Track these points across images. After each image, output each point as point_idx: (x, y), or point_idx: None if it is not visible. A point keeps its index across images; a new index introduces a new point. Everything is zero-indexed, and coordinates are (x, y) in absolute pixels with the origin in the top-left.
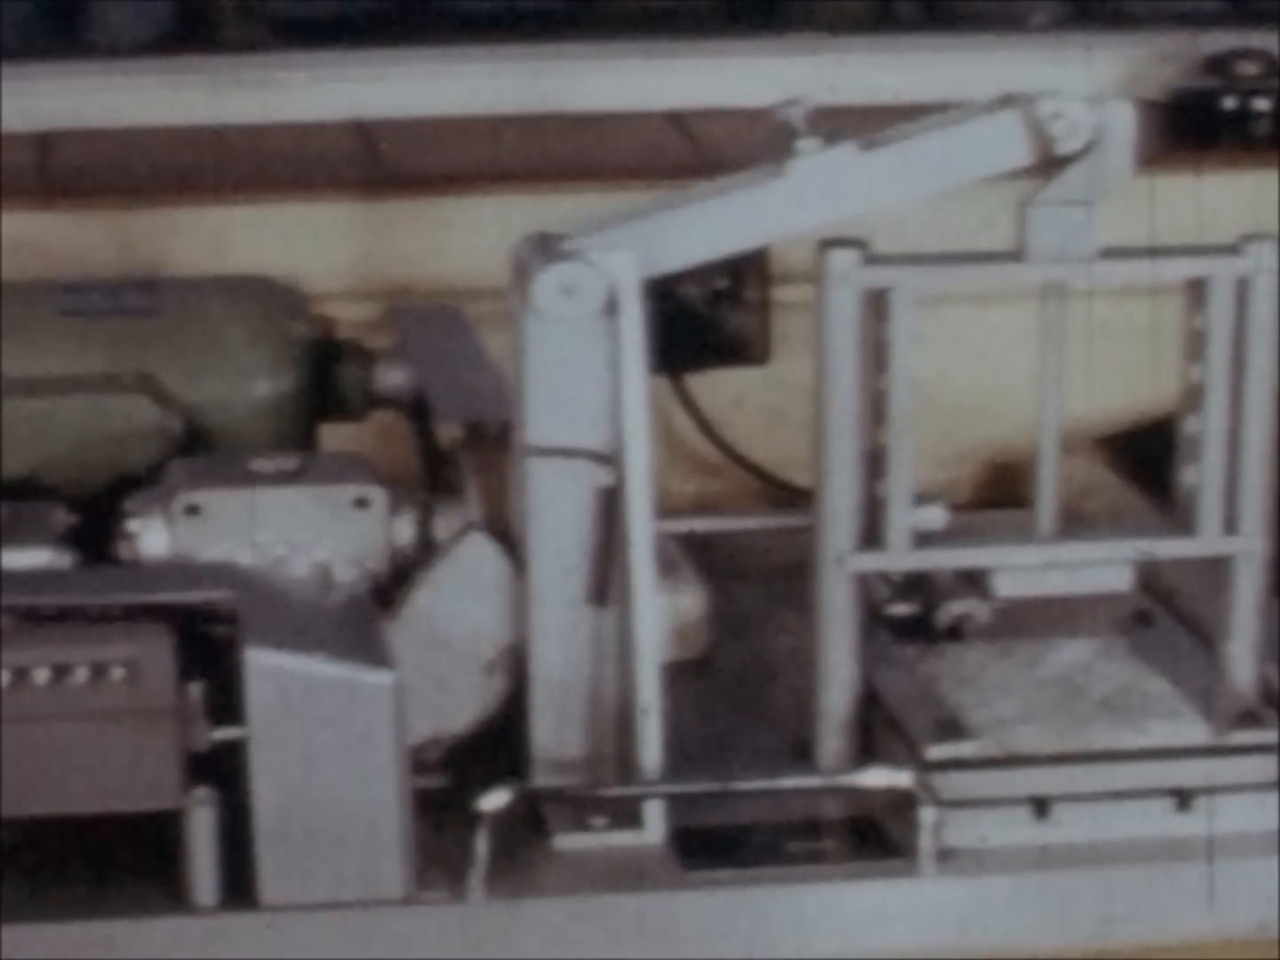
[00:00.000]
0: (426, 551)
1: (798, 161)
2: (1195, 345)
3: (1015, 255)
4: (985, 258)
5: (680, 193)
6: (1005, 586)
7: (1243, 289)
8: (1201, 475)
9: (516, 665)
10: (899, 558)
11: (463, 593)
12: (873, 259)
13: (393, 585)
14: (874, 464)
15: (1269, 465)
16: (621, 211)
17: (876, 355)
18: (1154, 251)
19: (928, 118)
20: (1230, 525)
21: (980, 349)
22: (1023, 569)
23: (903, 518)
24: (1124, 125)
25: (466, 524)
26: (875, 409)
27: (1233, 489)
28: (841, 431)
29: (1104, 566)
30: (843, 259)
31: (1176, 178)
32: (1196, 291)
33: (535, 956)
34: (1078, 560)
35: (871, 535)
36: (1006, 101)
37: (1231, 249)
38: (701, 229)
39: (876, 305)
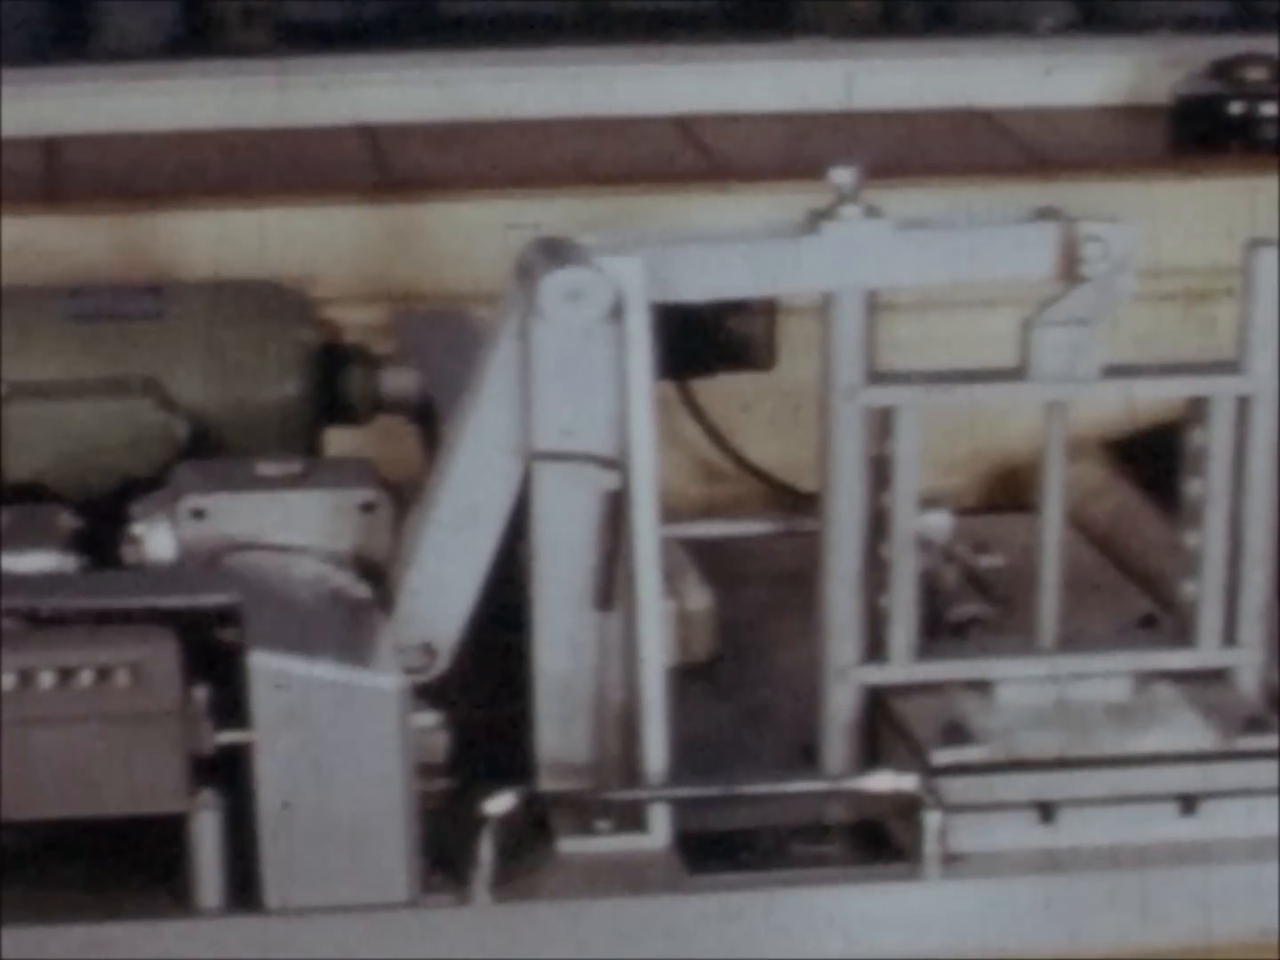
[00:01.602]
0: None
1: (832, 225)
2: (1195, 461)
3: (1019, 373)
4: (989, 375)
5: (698, 210)
6: (1008, 698)
7: (1244, 407)
8: (1201, 589)
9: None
10: (902, 671)
11: None
12: (878, 377)
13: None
14: (877, 575)
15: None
16: (641, 232)
17: (879, 472)
18: (1157, 369)
19: (968, 212)
20: (1229, 638)
21: (986, 353)
22: (1026, 680)
23: (905, 632)
24: (1131, 249)
25: None
26: (880, 518)
27: (1232, 603)
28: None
29: (1105, 678)
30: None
31: (1182, 183)
32: (1197, 408)
33: (540, 959)
34: (1079, 672)
35: (875, 646)
36: (1048, 214)
37: (1232, 366)
38: (720, 269)
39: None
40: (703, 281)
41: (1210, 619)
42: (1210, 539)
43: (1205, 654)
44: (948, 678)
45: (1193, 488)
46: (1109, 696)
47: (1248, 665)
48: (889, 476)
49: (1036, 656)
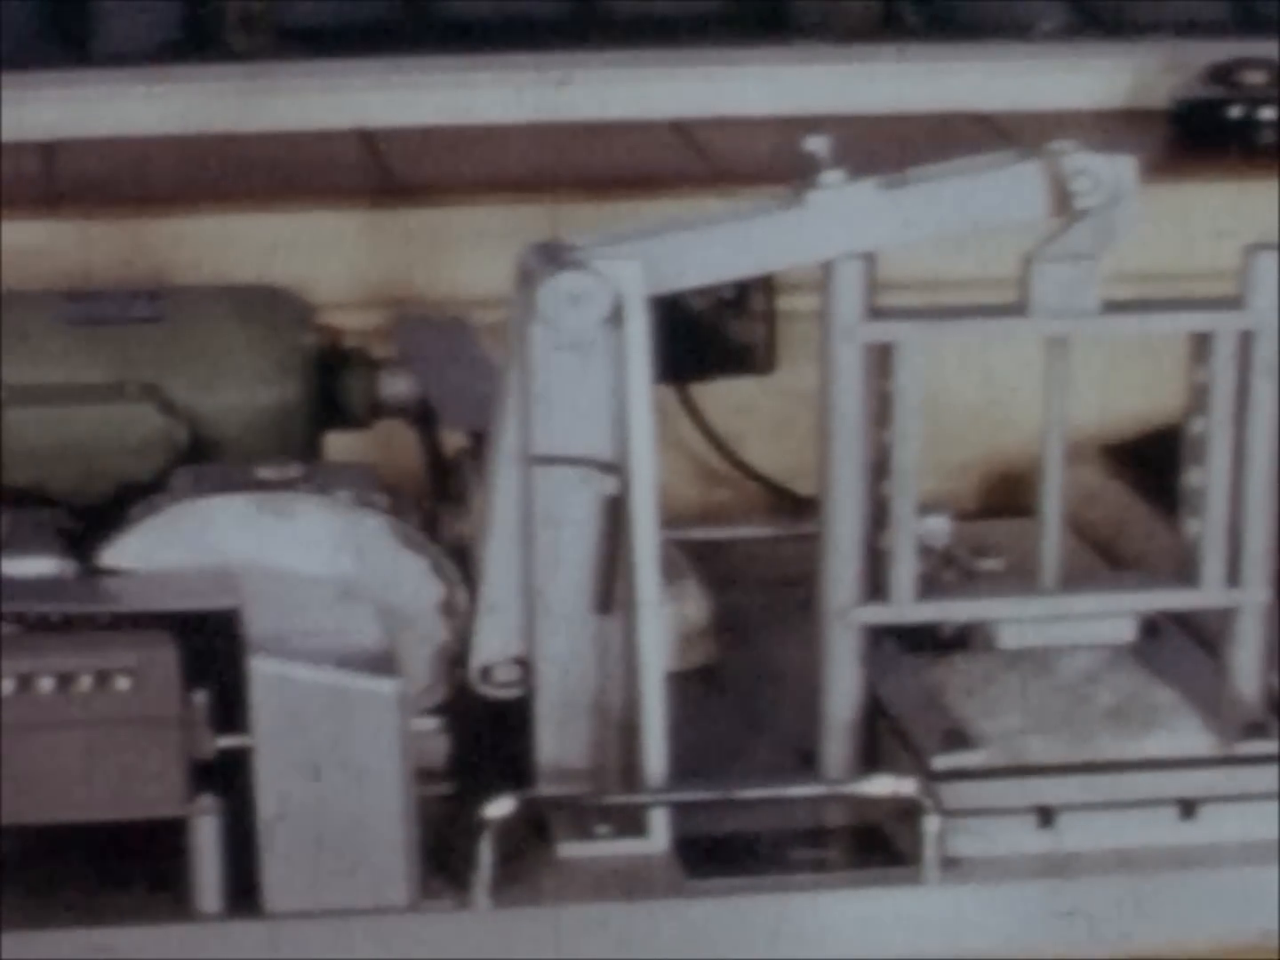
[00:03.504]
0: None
1: (816, 193)
2: (1198, 398)
3: (1020, 309)
4: (989, 311)
5: (693, 212)
6: (1008, 638)
7: (1246, 343)
8: (1204, 527)
9: None
10: (902, 611)
11: None
12: (878, 313)
13: None
14: (878, 513)
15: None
16: (633, 227)
17: (880, 410)
18: (1158, 305)
19: (951, 161)
20: (1233, 578)
21: (984, 358)
22: (1026, 622)
23: (906, 571)
24: (1130, 181)
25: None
26: (881, 459)
27: (1235, 542)
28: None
29: (1107, 619)
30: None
31: (1181, 187)
32: (1199, 345)
33: None
34: (1081, 613)
35: (875, 587)
36: (1031, 153)
37: (1234, 302)
38: (713, 251)
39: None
40: (697, 268)
41: (1213, 558)
42: (1213, 477)
43: (1208, 594)
44: (949, 618)
45: (1195, 425)
46: (1111, 638)
47: (1251, 606)
48: (890, 415)
49: (1038, 597)
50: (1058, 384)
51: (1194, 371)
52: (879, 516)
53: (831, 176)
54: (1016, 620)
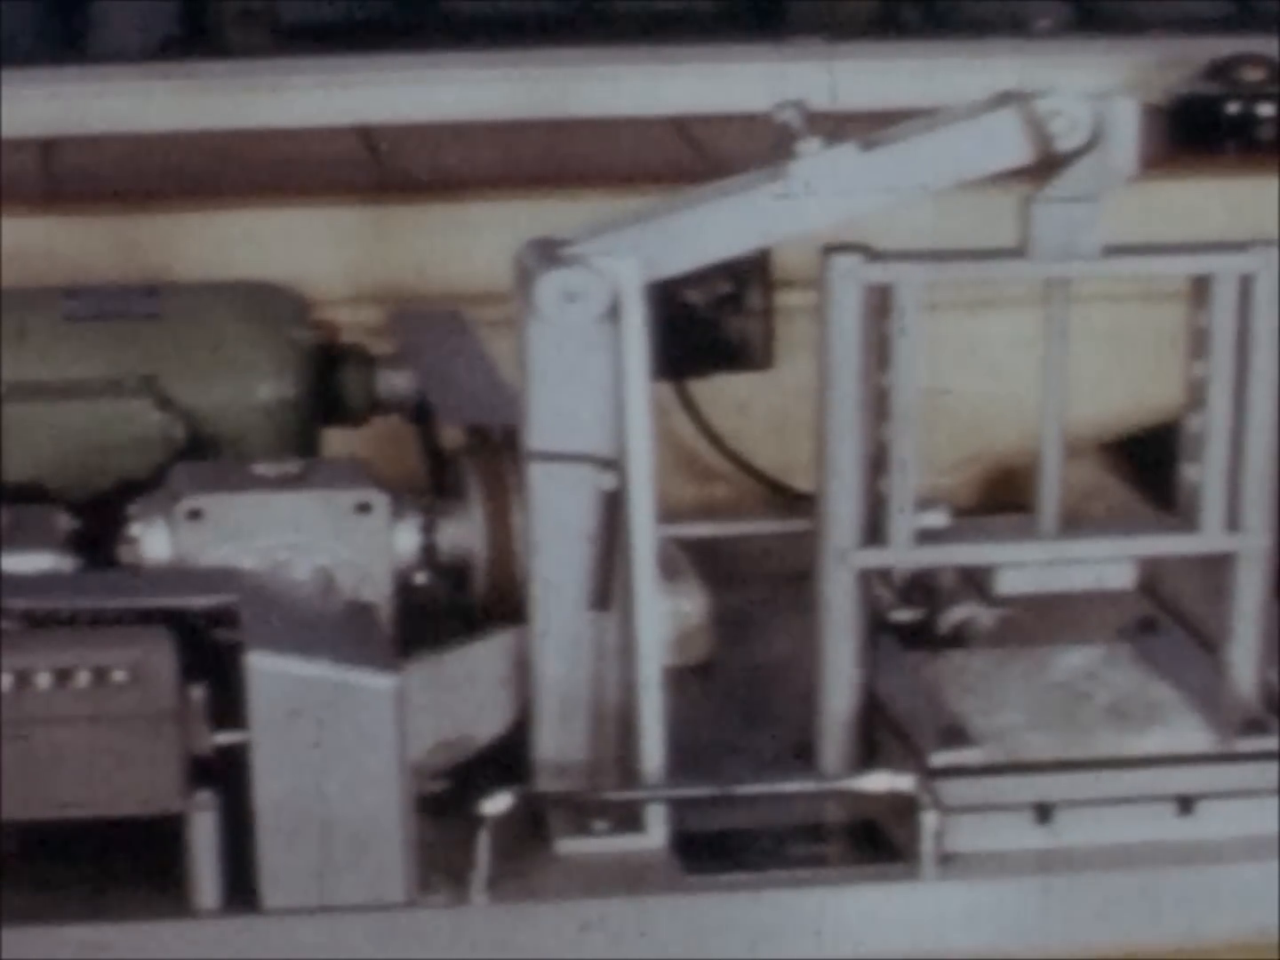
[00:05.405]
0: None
1: (798, 163)
2: (1198, 342)
3: (1019, 252)
4: (989, 255)
5: (681, 196)
6: (1007, 584)
7: (1246, 286)
8: (1204, 472)
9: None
10: (901, 555)
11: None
12: (876, 255)
13: (394, 590)
14: (877, 463)
15: (1272, 462)
16: (623, 215)
17: (880, 354)
18: (1158, 249)
19: (927, 117)
20: (1233, 522)
21: (982, 354)
22: (1025, 567)
23: (905, 515)
24: (1126, 121)
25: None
26: (878, 408)
27: (1235, 486)
28: (844, 429)
29: (1106, 564)
30: (847, 258)
31: (1179, 183)
32: (1200, 289)
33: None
34: (1080, 557)
35: (874, 533)
36: (1005, 99)
37: (1235, 246)
38: (703, 232)
39: (880, 303)
40: (690, 254)
41: (1213, 503)
42: (1213, 420)
43: (1208, 539)
44: (947, 562)
45: (1195, 370)
46: (1110, 583)
47: (1251, 550)
48: (889, 359)
49: (1037, 541)
50: (1058, 331)
51: (1194, 316)
52: (878, 466)
53: (808, 145)
54: (1015, 565)
